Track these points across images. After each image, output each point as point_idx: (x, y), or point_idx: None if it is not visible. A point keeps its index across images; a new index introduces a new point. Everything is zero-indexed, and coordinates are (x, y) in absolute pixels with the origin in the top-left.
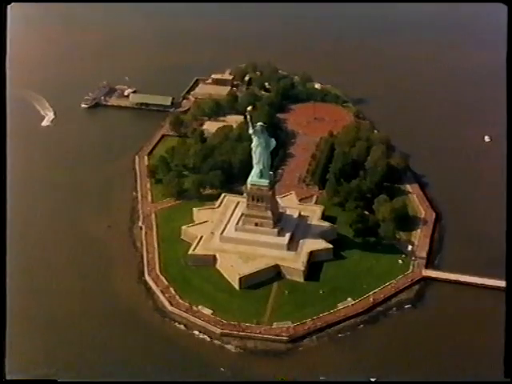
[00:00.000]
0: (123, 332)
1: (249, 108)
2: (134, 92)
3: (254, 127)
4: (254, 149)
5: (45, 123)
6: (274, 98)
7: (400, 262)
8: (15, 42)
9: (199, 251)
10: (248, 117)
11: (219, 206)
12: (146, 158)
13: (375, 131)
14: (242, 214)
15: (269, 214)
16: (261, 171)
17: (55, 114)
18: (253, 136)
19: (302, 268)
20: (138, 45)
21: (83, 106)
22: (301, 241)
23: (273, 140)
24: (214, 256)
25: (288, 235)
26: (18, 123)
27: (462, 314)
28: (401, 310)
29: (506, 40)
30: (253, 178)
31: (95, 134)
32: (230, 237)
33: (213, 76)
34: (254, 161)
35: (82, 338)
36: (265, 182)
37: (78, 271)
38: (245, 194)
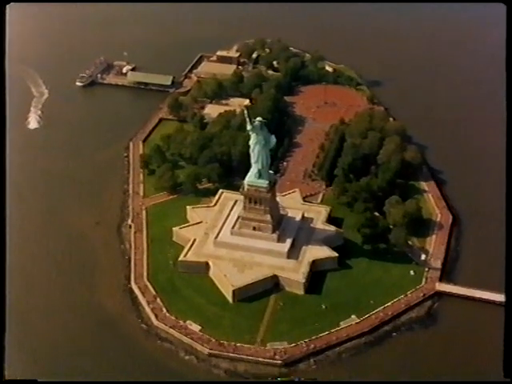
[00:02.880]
0: (102, 347)
1: (246, 103)
2: (133, 69)
3: (252, 123)
4: (252, 147)
5: (32, 125)
6: (282, 78)
7: (412, 273)
8: (10, 16)
9: (191, 257)
10: (245, 112)
11: (215, 204)
12: (140, 144)
13: (390, 119)
14: (239, 217)
15: (268, 217)
16: (259, 171)
17: (49, 93)
18: (251, 133)
19: (303, 280)
20: (138, 18)
21: (78, 84)
22: (303, 247)
23: (273, 137)
24: (207, 263)
25: (289, 241)
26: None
27: (480, 337)
28: (410, 330)
29: (506, 40)
30: (250, 178)
31: (89, 117)
32: (225, 242)
33: (218, 53)
34: (252, 160)
35: (58, 352)
36: (263, 182)
37: (61, 273)
38: (241, 196)
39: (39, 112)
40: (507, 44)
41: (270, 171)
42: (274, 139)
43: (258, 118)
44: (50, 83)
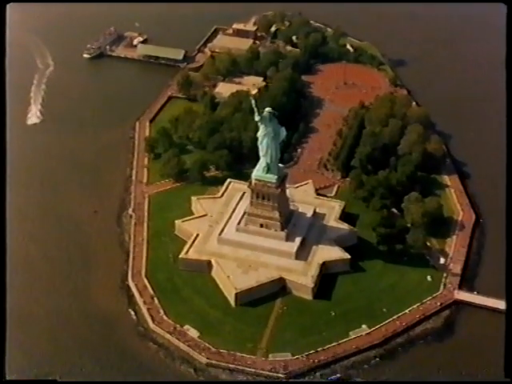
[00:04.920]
0: (92, 350)
1: (253, 92)
2: (145, 41)
3: (260, 113)
4: (260, 139)
5: (32, 119)
6: (301, 56)
7: (429, 278)
8: None
9: (192, 255)
10: (252, 102)
11: (222, 195)
12: (147, 125)
13: (413, 103)
14: (245, 212)
15: (276, 214)
16: (268, 165)
17: (54, 65)
18: (259, 124)
19: (311, 284)
20: None
21: (85, 55)
22: (313, 247)
23: (283, 129)
24: (209, 262)
25: (298, 240)
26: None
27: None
28: (425, 343)
29: (506, 40)
30: (258, 171)
31: (95, 92)
32: (230, 239)
33: (234, 26)
34: (261, 153)
35: (49, 356)
36: (272, 177)
37: (54, 266)
38: (248, 191)
39: (43, 86)
40: (507, 44)
41: (280, 164)
42: (284, 131)
43: (267, 109)
44: (57, 54)
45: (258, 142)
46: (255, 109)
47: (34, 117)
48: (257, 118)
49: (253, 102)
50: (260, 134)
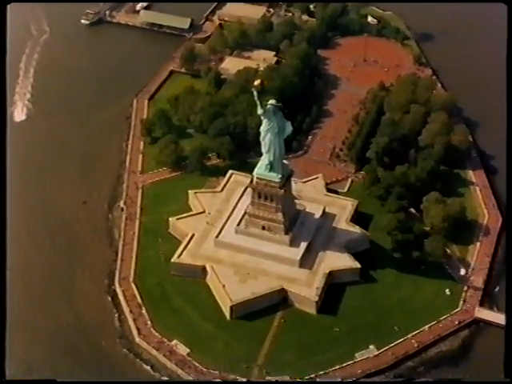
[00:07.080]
0: (70, 364)
1: (256, 83)
2: (148, 6)
3: (263, 106)
4: (262, 134)
5: (19, 116)
6: (318, 27)
7: (447, 292)
8: None
9: (185, 259)
10: (255, 94)
11: (223, 188)
12: (146, 103)
13: (438, 85)
14: (245, 213)
15: (279, 216)
16: (271, 163)
17: (49, 31)
18: (262, 118)
19: (316, 298)
20: None
21: (83, 21)
22: (320, 253)
23: (288, 124)
24: (204, 267)
25: (303, 246)
26: None
27: None
28: (438, 367)
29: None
30: (260, 169)
31: (91, 64)
32: (228, 242)
33: None
34: (263, 149)
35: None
36: (275, 176)
37: (35, 267)
38: (249, 189)
39: (35, 56)
40: (508, 43)
41: (285, 161)
42: (289, 127)
43: (271, 101)
44: (54, 20)
45: (261, 138)
46: (257, 101)
47: (22, 91)
48: (259, 112)
49: (255, 94)
50: (263, 128)
